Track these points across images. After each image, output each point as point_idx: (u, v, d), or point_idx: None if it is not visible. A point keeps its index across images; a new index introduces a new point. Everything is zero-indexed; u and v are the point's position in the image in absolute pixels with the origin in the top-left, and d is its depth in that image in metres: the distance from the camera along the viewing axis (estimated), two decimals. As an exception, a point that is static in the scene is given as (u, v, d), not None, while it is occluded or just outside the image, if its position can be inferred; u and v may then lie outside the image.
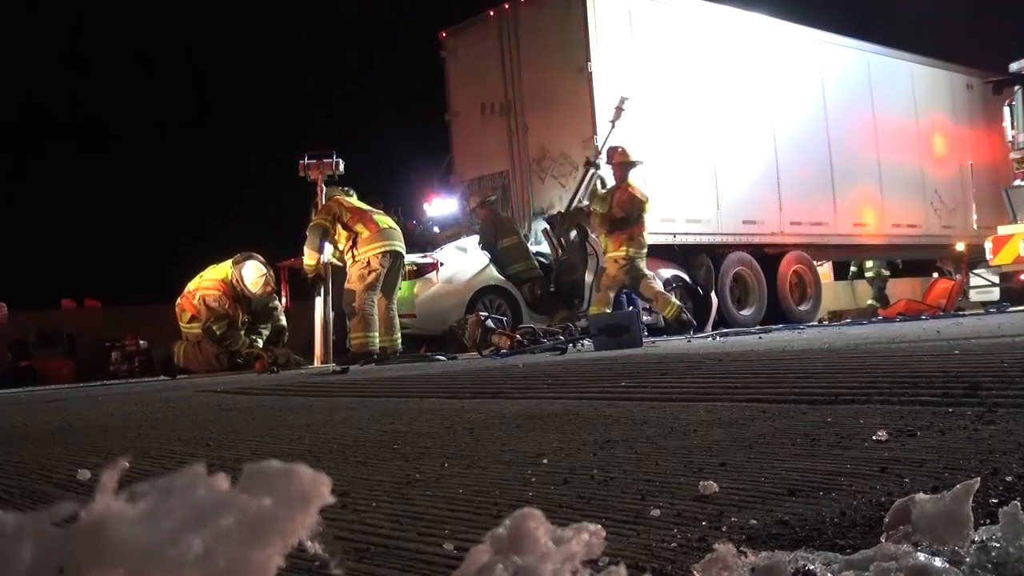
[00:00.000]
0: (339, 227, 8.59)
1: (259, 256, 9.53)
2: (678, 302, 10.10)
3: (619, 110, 10.51)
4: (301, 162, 9.28)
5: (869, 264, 16.41)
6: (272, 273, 9.69)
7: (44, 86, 23.33)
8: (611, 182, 10.14)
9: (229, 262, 9.47)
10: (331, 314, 9.32)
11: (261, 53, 24.28)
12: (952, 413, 2.17)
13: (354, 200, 8.85)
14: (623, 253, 9.65)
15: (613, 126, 10.48)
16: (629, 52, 11.46)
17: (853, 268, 17.03)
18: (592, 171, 10.45)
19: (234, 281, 9.35)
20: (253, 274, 9.35)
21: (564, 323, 9.15)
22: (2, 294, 11.53)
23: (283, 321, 9.85)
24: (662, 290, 9.92)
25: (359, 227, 8.52)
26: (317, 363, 9.10)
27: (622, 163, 9.90)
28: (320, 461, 2.10)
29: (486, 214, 10.89)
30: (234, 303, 9.38)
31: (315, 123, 23.75)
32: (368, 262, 8.41)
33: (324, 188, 9.09)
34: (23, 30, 22.51)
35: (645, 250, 9.82)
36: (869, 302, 15.79)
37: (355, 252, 8.50)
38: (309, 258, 8.78)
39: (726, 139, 12.33)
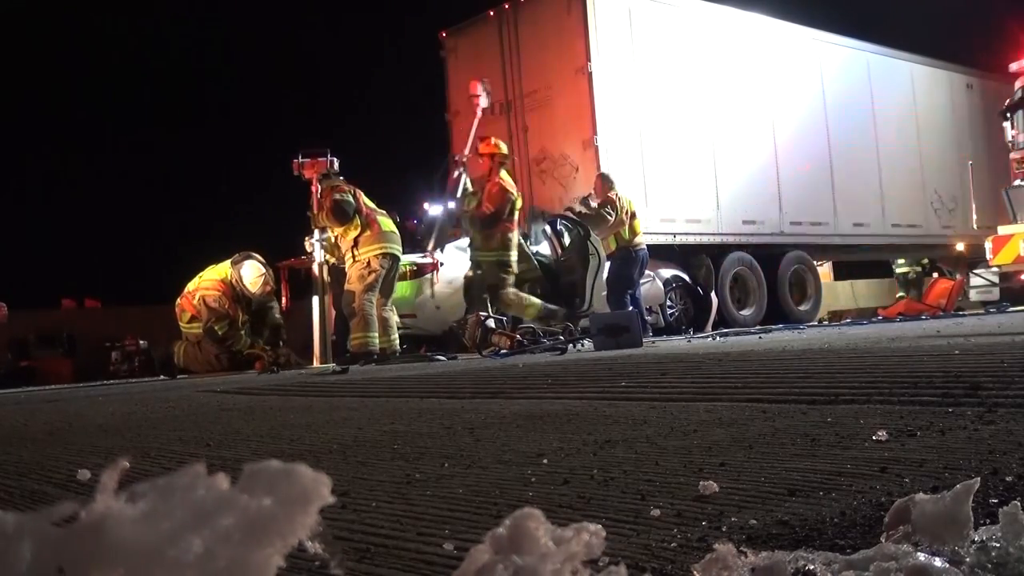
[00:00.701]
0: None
1: (258, 256, 9.53)
2: (538, 302, 9.27)
3: (475, 96, 9.91)
4: (295, 161, 9.23)
5: (901, 262, 16.61)
6: (271, 273, 9.69)
7: (44, 86, 23.35)
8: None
9: (228, 262, 9.47)
10: (331, 314, 9.32)
11: (262, 53, 24.30)
12: (952, 413, 2.17)
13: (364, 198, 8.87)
14: (497, 257, 9.04)
15: (479, 115, 9.96)
16: (629, 52, 11.45)
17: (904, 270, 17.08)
18: (460, 170, 10.02)
19: (233, 281, 9.35)
20: (252, 274, 9.35)
21: (564, 323, 9.15)
22: (2, 294, 11.55)
23: (279, 319, 9.81)
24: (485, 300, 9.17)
25: (366, 222, 8.52)
26: (316, 363, 9.09)
27: (492, 154, 9.23)
28: (320, 461, 2.10)
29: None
30: (234, 303, 9.38)
31: (315, 123, 23.78)
32: (368, 263, 8.43)
33: (320, 187, 9.02)
34: (23, 30, 22.52)
35: (515, 253, 9.26)
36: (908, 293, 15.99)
37: (355, 252, 8.51)
38: (337, 226, 8.65)
39: (726, 139, 12.34)
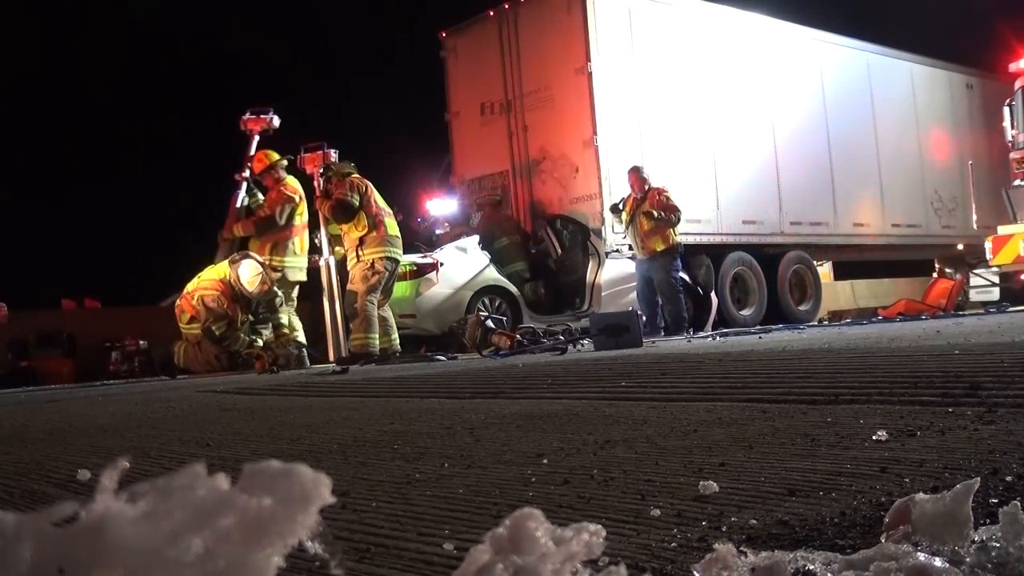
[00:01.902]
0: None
1: (256, 255, 9.52)
2: (299, 343, 9.14)
3: (259, 115, 9.61)
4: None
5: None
6: (269, 272, 9.67)
7: (44, 85, 23.35)
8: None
9: (226, 262, 9.47)
10: (336, 313, 9.37)
11: (261, 53, 24.29)
12: (952, 413, 2.17)
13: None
14: (268, 262, 8.99)
15: (256, 139, 9.70)
16: (629, 52, 11.45)
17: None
18: (244, 184, 9.73)
19: (232, 281, 9.35)
20: (249, 273, 9.34)
21: (564, 323, 9.16)
22: (2, 294, 11.55)
23: (283, 319, 9.79)
24: (291, 325, 9.06)
25: (373, 223, 8.54)
26: (331, 356, 9.21)
27: (267, 167, 9.35)
28: (320, 461, 2.10)
29: (485, 215, 10.98)
30: (233, 303, 9.37)
31: (315, 123, 23.75)
32: (372, 264, 8.49)
33: (332, 176, 8.96)
34: (23, 28, 22.53)
35: (291, 259, 9.19)
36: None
37: (360, 251, 8.54)
38: (333, 221, 8.73)
39: (726, 139, 12.33)
